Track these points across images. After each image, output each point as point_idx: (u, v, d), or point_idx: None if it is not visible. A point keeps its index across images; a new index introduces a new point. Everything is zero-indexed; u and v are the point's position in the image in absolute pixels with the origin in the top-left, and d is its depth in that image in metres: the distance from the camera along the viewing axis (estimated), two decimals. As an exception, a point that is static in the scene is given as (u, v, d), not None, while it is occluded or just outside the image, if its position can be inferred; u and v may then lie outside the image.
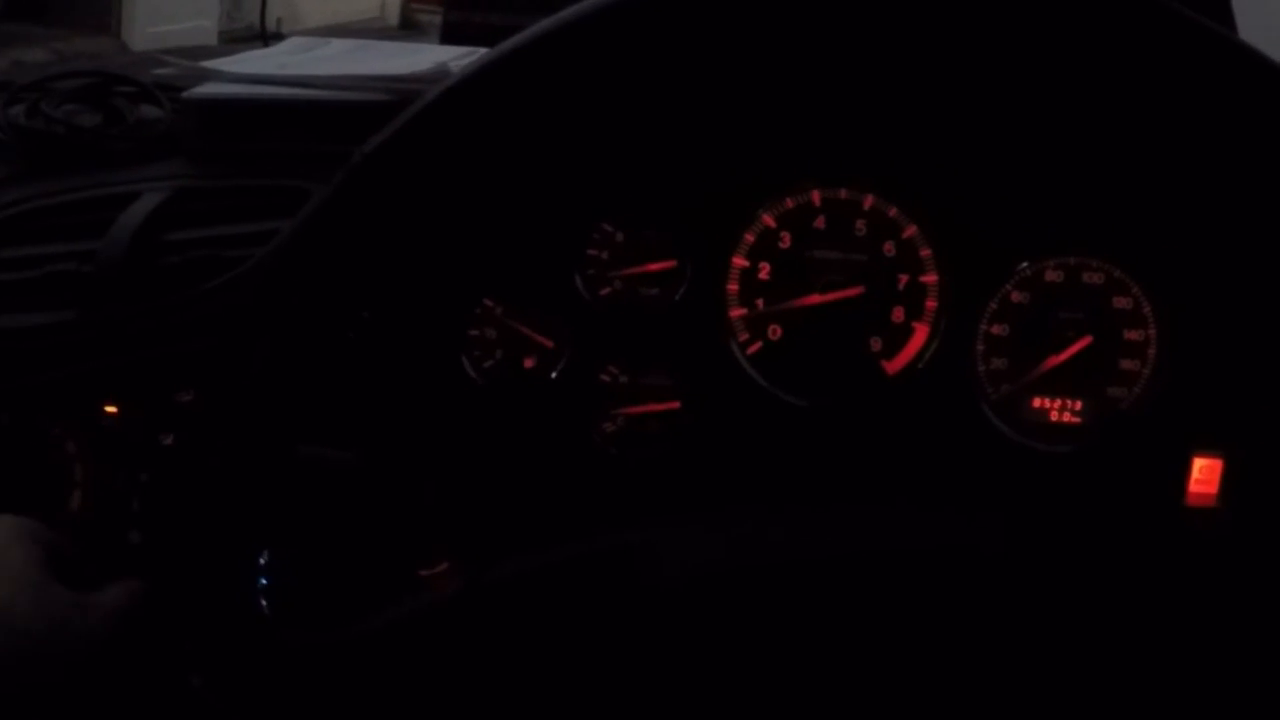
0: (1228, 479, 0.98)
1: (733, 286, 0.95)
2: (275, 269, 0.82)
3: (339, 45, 1.17)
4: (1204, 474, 0.98)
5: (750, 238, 0.95)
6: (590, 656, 0.73)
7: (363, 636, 0.75)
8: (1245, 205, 0.91)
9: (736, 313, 0.95)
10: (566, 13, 0.82)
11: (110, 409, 0.97)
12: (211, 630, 0.79)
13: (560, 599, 0.74)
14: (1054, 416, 0.97)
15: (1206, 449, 0.98)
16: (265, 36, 1.24)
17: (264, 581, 0.85)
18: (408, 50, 1.13)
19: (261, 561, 0.85)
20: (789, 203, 0.95)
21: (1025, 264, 0.95)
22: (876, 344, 0.96)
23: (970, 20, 0.85)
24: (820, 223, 0.95)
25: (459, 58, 1.07)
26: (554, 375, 0.95)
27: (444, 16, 4.24)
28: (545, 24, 0.81)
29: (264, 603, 0.85)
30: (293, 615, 0.84)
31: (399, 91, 1.01)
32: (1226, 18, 1.61)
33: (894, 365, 0.96)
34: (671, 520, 0.79)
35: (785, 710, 0.74)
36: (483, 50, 0.87)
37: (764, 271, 0.95)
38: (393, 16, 10.61)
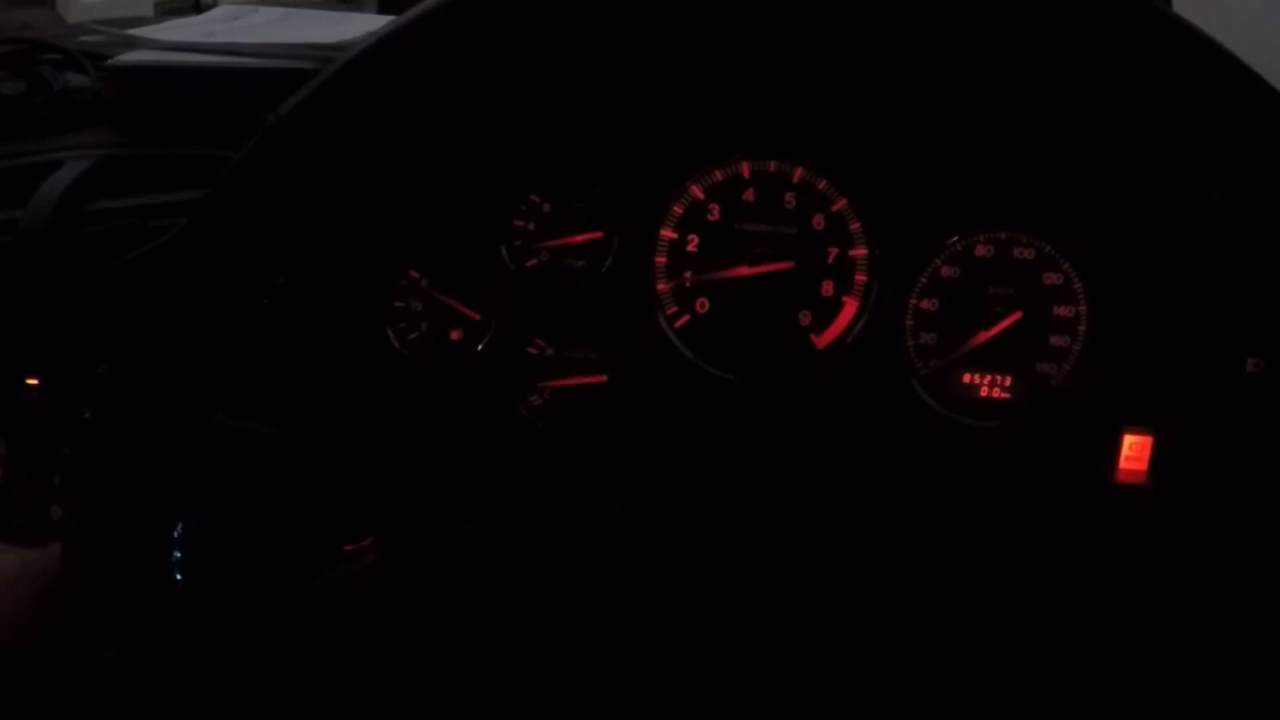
0: (1157, 455, 0.98)
1: (660, 259, 0.94)
2: (190, 233, 0.81)
3: (267, 13, 1.15)
4: (1134, 450, 0.98)
5: (678, 209, 0.94)
6: (515, 626, 0.73)
7: (280, 610, 0.74)
8: (1176, 182, 0.91)
9: (664, 285, 0.95)
10: None
11: (31, 381, 0.95)
12: (125, 603, 0.77)
13: (483, 569, 0.73)
14: (983, 392, 0.97)
15: (1136, 426, 0.97)
16: (200, 7, 1.22)
17: (178, 554, 0.84)
18: (338, 19, 1.11)
19: (176, 534, 0.84)
20: (718, 175, 0.94)
21: (955, 238, 0.94)
22: (805, 318, 0.95)
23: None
24: (749, 195, 0.94)
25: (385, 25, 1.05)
26: (480, 348, 0.94)
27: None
28: None
29: (178, 576, 0.83)
30: (208, 589, 0.83)
31: (325, 59, 0.98)
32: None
33: (823, 339, 0.95)
34: (598, 491, 0.78)
35: (713, 681, 0.73)
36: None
37: (692, 244, 0.94)
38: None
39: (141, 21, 1.34)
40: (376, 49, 0.77)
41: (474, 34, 0.82)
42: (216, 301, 0.79)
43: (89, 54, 1.10)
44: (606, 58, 0.90)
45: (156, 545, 0.79)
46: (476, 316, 0.94)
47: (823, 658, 0.78)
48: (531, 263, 0.94)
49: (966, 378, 0.97)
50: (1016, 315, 0.95)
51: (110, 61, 1.04)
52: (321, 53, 1.01)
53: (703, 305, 0.95)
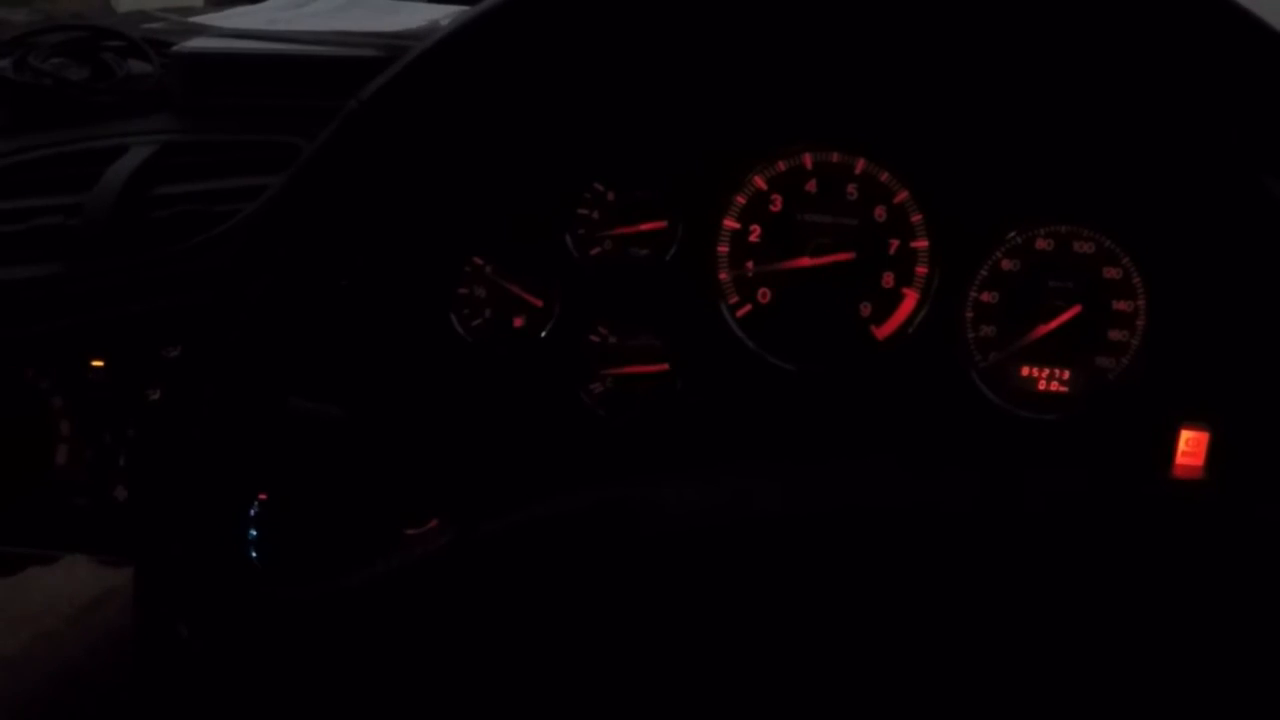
0: (1214, 451, 0.98)
1: (723, 248, 0.95)
2: (267, 218, 0.82)
3: (328, 2, 1.16)
4: (1190, 446, 0.98)
5: (741, 200, 0.95)
6: (582, 608, 0.73)
7: (352, 589, 0.74)
8: (1235, 177, 0.91)
9: (726, 274, 0.95)
10: None
11: (97, 363, 0.96)
12: (200, 581, 0.78)
13: (552, 553, 0.73)
14: (1042, 385, 0.97)
15: (1193, 421, 0.98)
16: (254, -3, 1.23)
17: (254, 533, 0.85)
18: (399, 8, 1.12)
19: (251, 513, 0.85)
20: (781, 165, 0.94)
21: (1016, 232, 0.95)
22: (866, 309, 0.96)
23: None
24: (812, 186, 0.95)
25: (451, 15, 1.06)
26: (543, 335, 0.95)
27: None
28: None
29: (254, 554, 0.84)
30: (282, 568, 0.84)
31: (390, 47, 1.00)
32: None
33: (883, 330, 0.96)
34: (660, 478, 0.79)
35: (767, 661, 0.74)
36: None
37: (755, 234, 0.95)
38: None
39: (193, 11, 1.35)
40: (456, 37, 0.78)
41: (547, 23, 0.82)
42: (294, 285, 0.80)
43: (151, 41, 1.11)
44: (672, 49, 0.90)
45: (236, 523, 0.80)
46: (540, 304, 0.95)
47: (884, 641, 0.79)
48: (595, 251, 0.95)
49: (1025, 370, 0.97)
50: (1076, 309, 0.96)
51: (175, 48, 1.05)
52: (384, 41, 1.01)
53: (764, 295, 0.95)
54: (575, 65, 0.88)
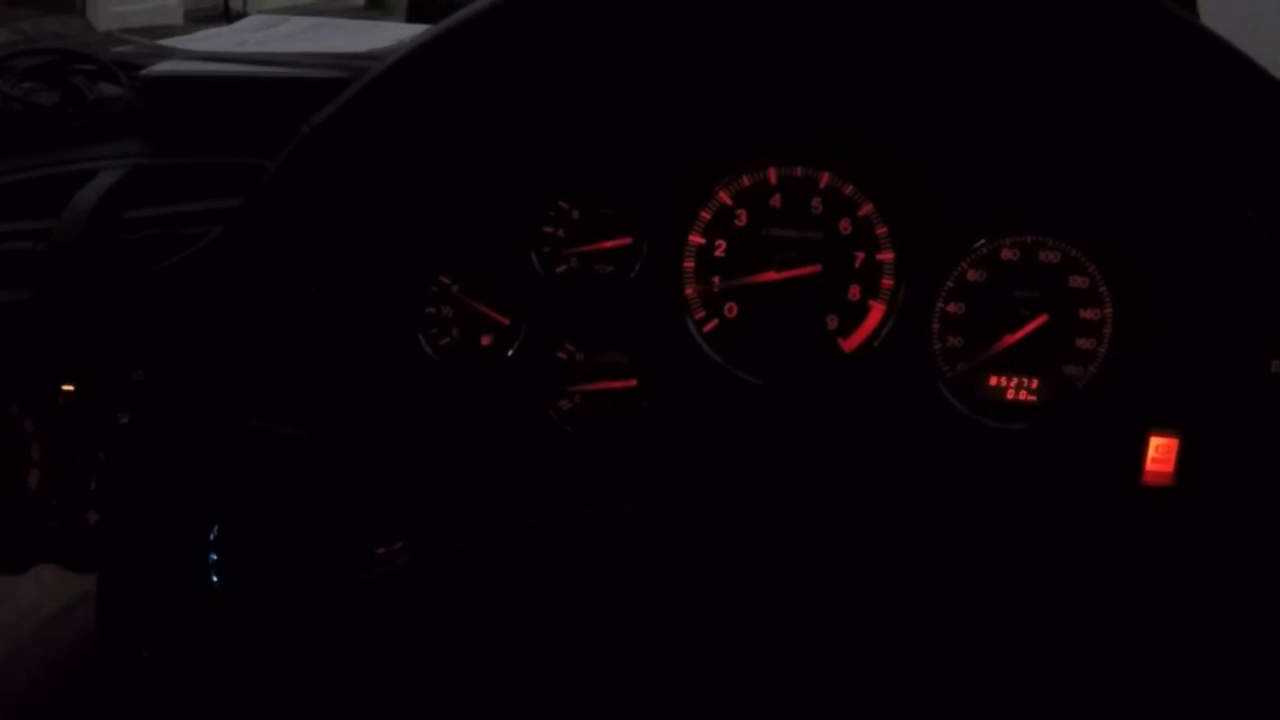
0: (1184, 458, 0.98)
1: (689, 264, 0.95)
2: (225, 242, 0.82)
3: (298, 23, 1.16)
4: (1160, 453, 0.99)
5: (706, 215, 0.95)
6: (547, 626, 0.74)
7: (314, 611, 0.75)
8: (1200, 186, 0.92)
9: (692, 290, 0.95)
10: None
11: (67, 388, 0.97)
12: (161, 604, 0.78)
13: (514, 570, 0.73)
14: (1010, 395, 0.97)
15: (1163, 428, 0.98)
16: (229, 15, 1.23)
17: (214, 556, 0.85)
18: (368, 28, 1.12)
19: (212, 536, 0.85)
20: (745, 180, 0.95)
21: (981, 242, 0.95)
22: (833, 322, 0.96)
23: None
24: (776, 200, 0.95)
25: (419, 36, 1.06)
26: (510, 353, 0.95)
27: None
28: None
29: (214, 577, 0.84)
30: (243, 590, 0.84)
31: (356, 69, 1.00)
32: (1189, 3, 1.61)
33: (850, 343, 0.96)
34: (626, 495, 0.79)
35: (739, 684, 0.74)
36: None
37: (720, 249, 0.95)
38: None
39: (171, 30, 1.36)
40: (407, 60, 0.79)
41: (502, 44, 0.83)
42: (252, 308, 0.80)
43: (121, 64, 1.11)
44: (632, 65, 0.91)
45: (193, 547, 0.80)
46: (507, 322, 0.95)
47: (850, 660, 0.79)
48: (561, 268, 0.95)
49: (993, 380, 0.97)
50: (1042, 318, 0.96)
51: (143, 72, 1.06)
52: (352, 62, 1.02)
53: (731, 310, 0.96)
54: (536, 83, 0.89)
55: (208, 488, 0.78)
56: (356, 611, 0.75)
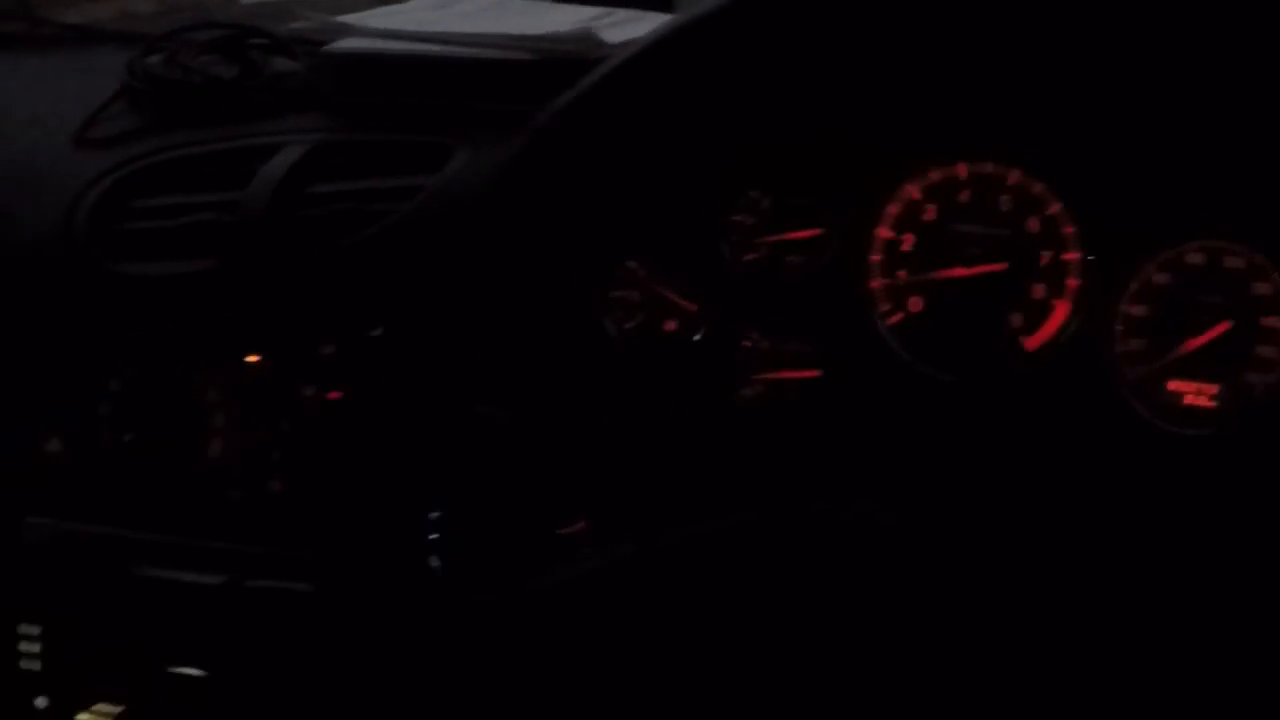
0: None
1: (875, 257, 0.95)
2: (464, 231, 0.82)
3: (475, 2, 1.17)
4: (1344, 465, 0.98)
5: (894, 209, 0.95)
6: (763, 621, 0.74)
7: (533, 596, 0.75)
8: None
9: (878, 283, 0.96)
10: None
11: (252, 359, 0.98)
12: (384, 587, 0.79)
13: (731, 565, 0.74)
14: (1189, 399, 0.97)
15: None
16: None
17: (434, 538, 0.86)
18: (547, 9, 1.13)
19: (431, 518, 0.86)
20: (934, 175, 0.95)
21: (1167, 246, 0.95)
22: (1017, 320, 0.96)
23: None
24: (965, 196, 0.95)
25: (597, 18, 1.07)
26: (695, 339, 0.96)
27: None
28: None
29: (435, 560, 0.86)
30: (464, 573, 0.85)
31: (540, 51, 1.01)
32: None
33: (1033, 342, 0.96)
34: (825, 492, 0.80)
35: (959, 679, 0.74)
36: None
37: (907, 243, 0.95)
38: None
39: (313, 3, 1.37)
40: (643, 54, 0.80)
41: (723, 45, 0.83)
42: (493, 293, 0.81)
43: (299, 39, 1.13)
44: (836, 61, 0.91)
45: (416, 531, 0.81)
46: (693, 308, 0.96)
47: (1057, 658, 0.79)
48: (749, 257, 0.96)
49: (1172, 385, 0.97)
50: (1225, 324, 0.96)
51: (327, 48, 1.07)
52: (534, 44, 1.03)
53: (916, 304, 0.96)
54: (743, 79, 0.89)
55: (431, 470, 0.79)
56: (575, 599, 0.76)
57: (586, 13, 1.10)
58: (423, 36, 1.06)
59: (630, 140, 0.82)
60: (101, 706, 0.99)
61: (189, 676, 0.97)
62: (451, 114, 1.02)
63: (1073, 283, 0.96)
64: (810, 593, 0.74)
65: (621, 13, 1.07)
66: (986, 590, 0.76)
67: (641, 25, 1.01)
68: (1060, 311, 0.96)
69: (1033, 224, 0.95)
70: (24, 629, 1.00)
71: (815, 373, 0.96)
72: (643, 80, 0.78)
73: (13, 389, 1.03)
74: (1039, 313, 0.96)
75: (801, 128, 0.94)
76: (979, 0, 0.88)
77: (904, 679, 0.75)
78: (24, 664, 1.01)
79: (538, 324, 0.94)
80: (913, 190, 0.95)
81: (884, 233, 0.95)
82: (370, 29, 1.09)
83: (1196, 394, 0.97)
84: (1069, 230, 0.95)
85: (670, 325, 0.96)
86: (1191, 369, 0.97)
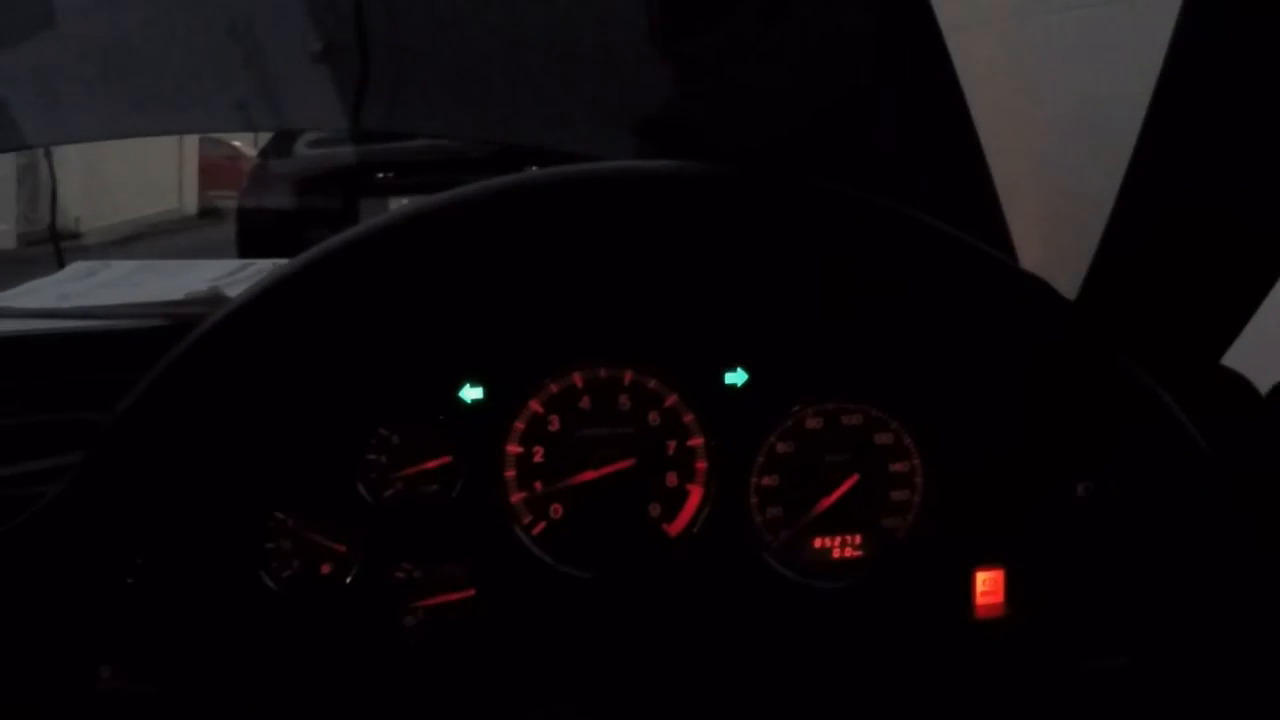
0: (1012, 587, 1.03)
1: (510, 473, 0.99)
2: (45, 532, 0.85)
3: (119, 268, 1.20)
4: (988, 585, 1.04)
5: (520, 425, 0.99)
6: None
7: None
8: (986, 349, 0.98)
9: (517, 497, 0.99)
10: (330, 242, 0.87)
11: None
12: None
13: None
14: (836, 554, 1.02)
15: (986, 562, 1.03)
16: (60, 251, 1.26)
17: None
18: (187, 268, 1.16)
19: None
20: (553, 387, 0.99)
21: (786, 416, 1.00)
22: (656, 509, 1.00)
23: (712, 214, 0.91)
24: (585, 402, 0.99)
25: (232, 273, 1.10)
26: (349, 579, 0.98)
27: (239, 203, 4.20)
28: (306, 257, 0.85)
29: None
30: None
31: (175, 316, 1.04)
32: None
33: (674, 528, 1.00)
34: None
35: None
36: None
37: (538, 455, 0.99)
38: (191, 205, 10.77)
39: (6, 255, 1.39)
40: (197, 345, 0.83)
41: (315, 296, 0.87)
42: (84, 586, 0.83)
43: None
44: (437, 304, 0.95)
45: None
46: (343, 549, 0.98)
47: None
48: (388, 492, 0.98)
49: (818, 543, 1.02)
50: (854, 478, 1.01)
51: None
52: (169, 309, 1.05)
53: (556, 510, 0.99)
54: (353, 327, 0.93)
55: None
56: None
57: (223, 267, 1.13)
58: (65, 313, 1.09)
59: (221, 410, 0.85)
60: None
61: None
62: (96, 388, 1.04)
63: (701, 466, 1.00)
64: None
65: (260, 263, 1.10)
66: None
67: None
68: (695, 495, 1.00)
69: (653, 417, 1.00)
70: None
71: (470, 592, 0.99)
72: (211, 356, 0.82)
73: None
74: (675, 499, 1.00)
75: (412, 361, 0.97)
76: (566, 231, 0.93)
77: None
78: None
79: (192, 584, 0.96)
80: (535, 405, 0.99)
81: (514, 449, 0.99)
82: (13, 310, 1.11)
83: (842, 546, 1.02)
84: (689, 418, 1.00)
85: (325, 568, 0.98)
86: (831, 525, 1.02)
